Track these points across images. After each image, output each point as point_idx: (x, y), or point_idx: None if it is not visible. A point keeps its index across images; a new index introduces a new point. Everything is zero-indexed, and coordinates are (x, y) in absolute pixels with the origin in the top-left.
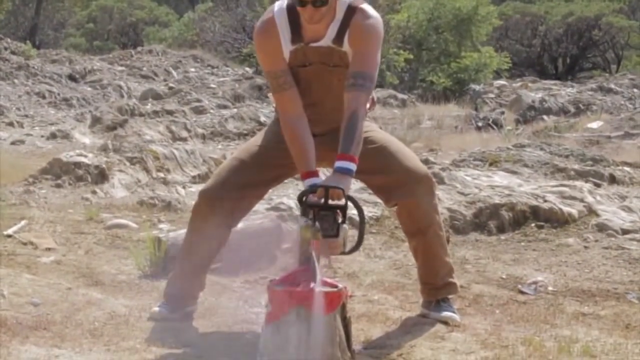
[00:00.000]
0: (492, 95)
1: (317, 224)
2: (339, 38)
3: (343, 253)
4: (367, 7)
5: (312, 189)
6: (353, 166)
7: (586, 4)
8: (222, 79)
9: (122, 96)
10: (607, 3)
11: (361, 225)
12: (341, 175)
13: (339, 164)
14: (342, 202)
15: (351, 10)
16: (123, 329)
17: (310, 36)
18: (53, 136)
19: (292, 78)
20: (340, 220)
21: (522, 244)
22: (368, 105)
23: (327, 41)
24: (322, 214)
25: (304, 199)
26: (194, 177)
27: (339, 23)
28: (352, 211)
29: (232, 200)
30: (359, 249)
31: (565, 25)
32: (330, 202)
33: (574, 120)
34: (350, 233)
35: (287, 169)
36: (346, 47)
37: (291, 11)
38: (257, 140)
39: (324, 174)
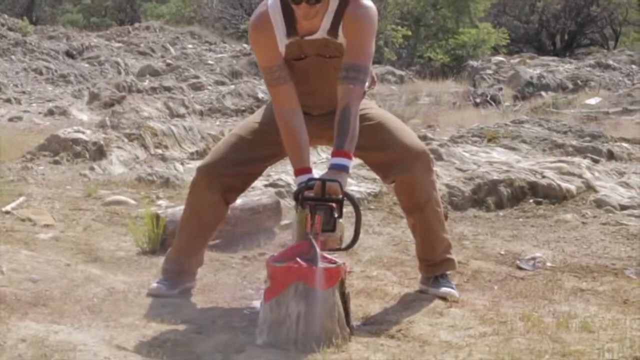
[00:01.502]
0: (490, 72)
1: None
2: (333, 29)
3: (339, 249)
4: None
5: (308, 185)
6: (348, 162)
7: None
8: (219, 56)
9: (119, 73)
10: None
11: (357, 221)
12: (337, 171)
13: (334, 160)
14: (339, 197)
15: (345, 1)
16: (122, 305)
17: (305, 29)
18: (50, 113)
19: (287, 72)
20: (336, 215)
21: (521, 220)
22: (368, 84)
23: (322, 33)
24: (319, 208)
25: (300, 195)
26: (192, 153)
27: (333, 14)
28: (347, 208)
29: (230, 176)
30: (355, 245)
31: (563, 2)
32: (326, 197)
33: (572, 96)
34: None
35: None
36: (341, 38)
37: (285, 5)
38: (256, 117)
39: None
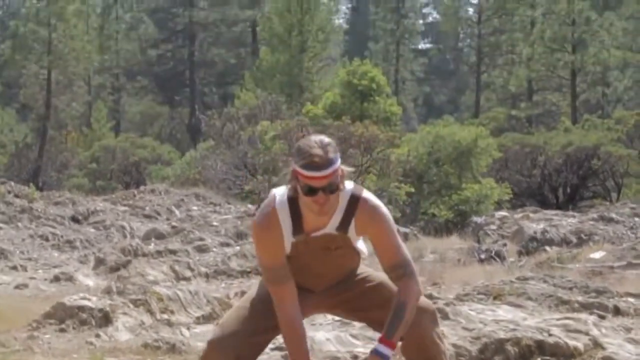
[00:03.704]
0: (493, 227)
1: None
2: (343, 227)
3: None
4: (369, 195)
5: None
6: (390, 352)
7: (584, 134)
8: (224, 217)
9: (125, 236)
10: (605, 132)
11: None
12: (378, 357)
13: (379, 347)
14: None
15: (355, 200)
16: None
17: (312, 227)
18: (56, 279)
19: (289, 271)
20: None
21: None
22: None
23: (330, 229)
24: None
25: None
26: (198, 318)
27: (343, 212)
28: None
29: (240, 348)
30: None
31: (565, 155)
32: None
33: (576, 250)
34: None
35: None
36: (352, 233)
37: (292, 203)
38: (261, 286)
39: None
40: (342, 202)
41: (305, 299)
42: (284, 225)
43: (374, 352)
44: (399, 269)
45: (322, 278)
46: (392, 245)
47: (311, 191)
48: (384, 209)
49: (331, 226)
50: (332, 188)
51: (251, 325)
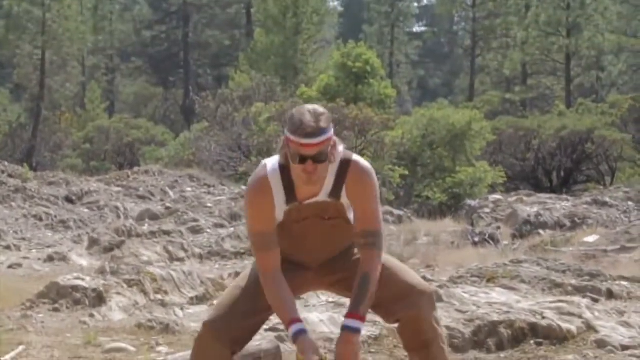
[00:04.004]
0: (487, 210)
1: None
2: (335, 193)
3: None
4: (359, 159)
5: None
6: (361, 325)
7: (579, 118)
8: (218, 198)
9: (119, 217)
10: (599, 117)
11: None
12: (351, 334)
13: (348, 322)
14: None
15: (345, 164)
16: None
17: (305, 195)
18: (50, 259)
19: (277, 238)
20: None
21: None
22: None
23: (323, 197)
24: None
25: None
26: (191, 298)
27: (334, 178)
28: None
29: (236, 329)
30: None
31: (559, 139)
32: None
33: (570, 234)
34: None
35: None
36: (344, 199)
37: (284, 171)
38: (254, 266)
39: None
40: (333, 168)
41: (301, 276)
42: (276, 192)
43: (345, 328)
44: (371, 237)
45: (316, 252)
46: (372, 212)
47: (301, 159)
48: (373, 175)
49: (324, 193)
50: (322, 157)
51: (245, 307)
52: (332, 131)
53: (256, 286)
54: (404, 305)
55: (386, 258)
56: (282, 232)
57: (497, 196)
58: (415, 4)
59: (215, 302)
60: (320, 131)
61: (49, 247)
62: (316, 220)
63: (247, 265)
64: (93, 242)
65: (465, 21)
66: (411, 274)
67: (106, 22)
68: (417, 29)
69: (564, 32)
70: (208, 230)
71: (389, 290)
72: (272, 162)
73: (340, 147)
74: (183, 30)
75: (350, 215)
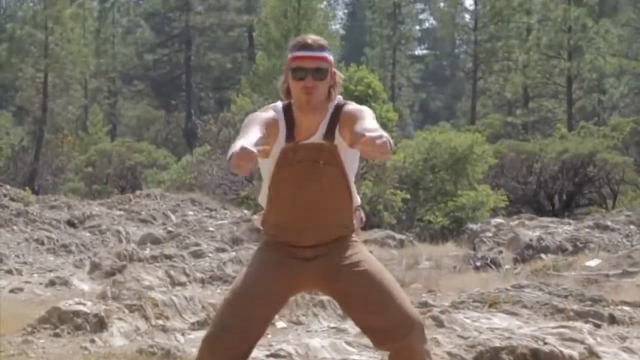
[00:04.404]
0: (489, 234)
1: None
2: (329, 132)
3: None
4: (353, 103)
5: None
6: None
7: (580, 141)
8: (220, 222)
9: (120, 241)
10: (601, 140)
11: None
12: None
13: None
14: None
15: (339, 106)
16: None
17: (303, 134)
18: (52, 283)
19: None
20: None
21: None
22: (357, 224)
23: (318, 138)
24: None
25: None
26: (193, 323)
27: (329, 118)
28: None
29: (234, 343)
30: None
31: (561, 162)
32: None
33: (572, 258)
34: None
35: (280, 296)
36: (338, 139)
37: (286, 110)
38: (248, 272)
39: None
40: (329, 110)
41: (294, 275)
42: (279, 126)
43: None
44: (377, 132)
45: (311, 216)
46: (373, 126)
47: (300, 71)
48: (367, 109)
49: (319, 134)
50: (321, 73)
51: (240, 320)
52: (332, 58)
53: (248, 293)
54: (396, 335)
55: (382, 275)
56: (275, 183)
57: (499, 220)
58: (417, 27)
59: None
60: (320, 47)
61: (50, 271)
62: (310, 165)
63: (238, 274)
64: (95, 267)
65: (466, 44)
66: (406, 302)
67: (108, 45)
68: (418, 52)
69: (565, 55)
70: (210, 255)
71: (381, 318)
72: (275, 104)
73: (340, 96)
74: (185, 53)
75: (346, 163)
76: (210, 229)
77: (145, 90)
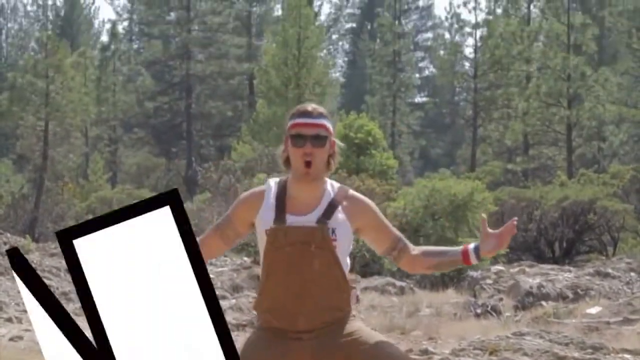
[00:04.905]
0: (490, 281)
1: None
2: (325, 217)
3: None
4: (351, 190)
5: None
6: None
7: (580, 188)
8: (220, 269)
9: None
10: (601, 187)
11: None
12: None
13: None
14: None
15: (343, 190)
16: None
17: (299, 207)
18: None
19: (234, 233)
20: None
21: None
22: (353, 302)
23: (318, 213)
24: None
25: None
26: None
27: (331, 198)
28: None
29: None
30: None
31: (561, 210)
32: None
33: (572, 305)
34: None
35: None
36: (334, 222)
37: (281, 184)
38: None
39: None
40: (330, 189)
41: (287, 358)
42: (267, 204)
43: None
44: (400, 242)
45: (305, 298)
46: (385, 227)
47: (300, 138)
48: (367, 199)
49: (319, 210)
50: (321, 141)
51: None
52: (331, 126)
53: None
54: None
55: (381, 346)
56: (266, 267)
57: (499, 267)
58: (417, 75)
59: None
60: (320, 115)
61: None
62: (302, 248)
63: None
64: None
65: (466, 92)
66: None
67: (109, 93)
68: (418, 99)
69: (564, 102)
70: None
71: None
72: (275, 179)
73: (337, 184)
74: (186, 101)
75: (338, 250)
76: (211, 276)
77: (146, 138)
